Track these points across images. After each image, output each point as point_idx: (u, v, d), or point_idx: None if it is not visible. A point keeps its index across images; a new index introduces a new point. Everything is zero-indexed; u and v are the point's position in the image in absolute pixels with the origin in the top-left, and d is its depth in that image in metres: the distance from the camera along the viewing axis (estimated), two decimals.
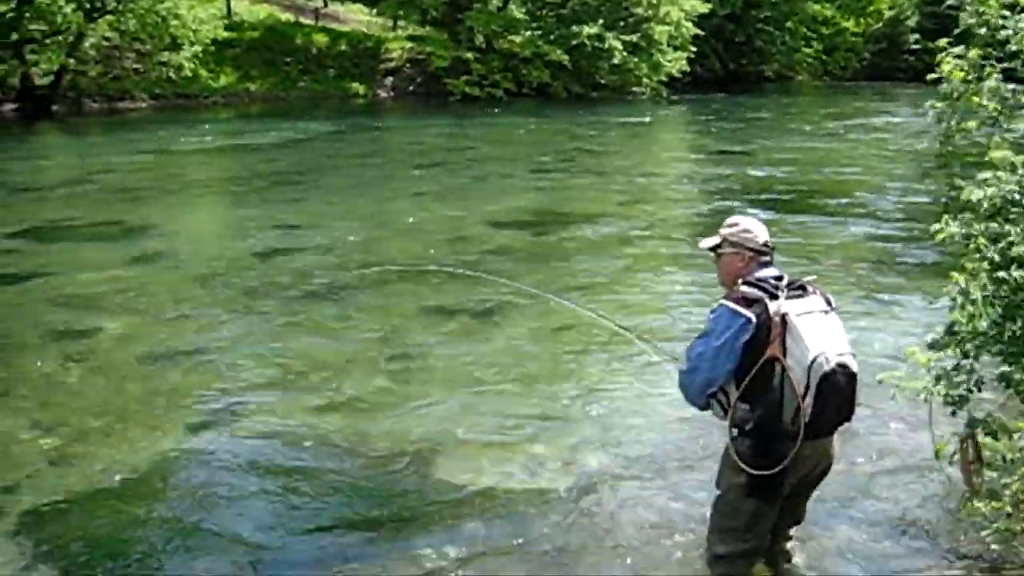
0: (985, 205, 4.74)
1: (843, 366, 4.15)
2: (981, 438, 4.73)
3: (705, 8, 49.35)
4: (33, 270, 11.16)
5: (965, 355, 4.72)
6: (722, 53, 57.55)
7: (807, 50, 66.27)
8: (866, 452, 6.18)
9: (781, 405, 4.16)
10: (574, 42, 42.78)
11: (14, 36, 30.01)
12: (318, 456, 6.27)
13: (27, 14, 29.24)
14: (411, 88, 42.91)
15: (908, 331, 8.65)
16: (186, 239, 13.64)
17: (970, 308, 4.66)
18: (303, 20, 45.98)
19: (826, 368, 4.09)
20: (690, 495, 5.60)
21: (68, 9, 28.73)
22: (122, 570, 4.96)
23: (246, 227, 14.10)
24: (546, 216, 14.91)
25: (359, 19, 50.15)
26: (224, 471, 6.08)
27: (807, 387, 4.11)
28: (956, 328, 4.70)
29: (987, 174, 4.81)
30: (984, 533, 4.79)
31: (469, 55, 42.04)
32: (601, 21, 43.58)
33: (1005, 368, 4.72)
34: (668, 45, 46.77)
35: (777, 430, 4.17)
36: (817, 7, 67.93)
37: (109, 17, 31.22)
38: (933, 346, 4.82)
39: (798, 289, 4.30)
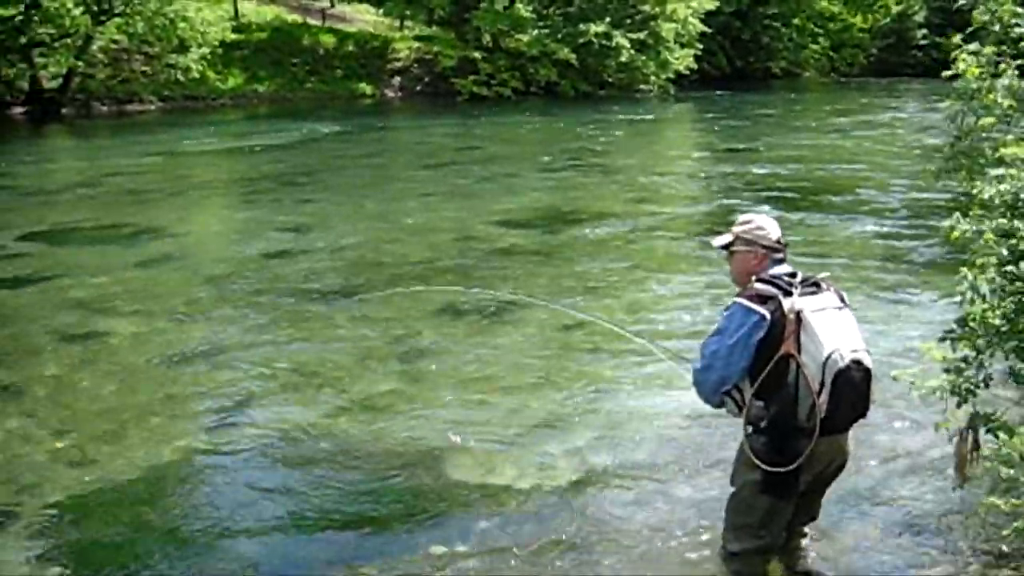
0: (997, 202, 4.73)
1: (858, 362, 4.15)
2: (983, 433, 4.72)
3: (712, 5, 49.40)
4: (44, 273, 11.19)
5: (976, 350, 4.71)
6: (729, 50, 57.59)
7: (814, 47, 66.23)
8: (880, 449, 6.16)
9: (796, 402, 4.16)
10: (581, 40, 42.79)
11: (23, 40, 30.13)
12: (329, 456, 6.27)
13: (35, 18, 29.34)
14: (418, 88, 42.95)
15: (916, 328, 8.65)
16: (196, 241, 13.67)
17: (980, 303, 4.65)
18: (310, 21, 46.02)
19: (841, 364, 4.10)
20: (703, 493, 5.59)
21: (76, 12, 28.84)
22: (135, 571, 4.97)
23: (255, 228, 14.13)
24: (554, 215, 14.90)
25: (366, 19, 50.20)
26: (235, 472, 6.09)
27: (822, 384, 4.11)
28: (969, 322, 4.69)
29: (1000, 171, 4.80)
30: (1004, 532, 4.77)
31: (476, 54, 42.09)
32: (608, 19, 43.60)
33: (1017, 364, 4.72)
34: (675, 42, 46.82)
35: (792, 427, 4.17)
36: (824, 3, 67.95)
37: (117, 20, 31.30)
38: (944, 339, 4.81)
39: (812, 286, 4.30)
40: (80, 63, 31.85)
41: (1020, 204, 4.66)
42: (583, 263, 11.63)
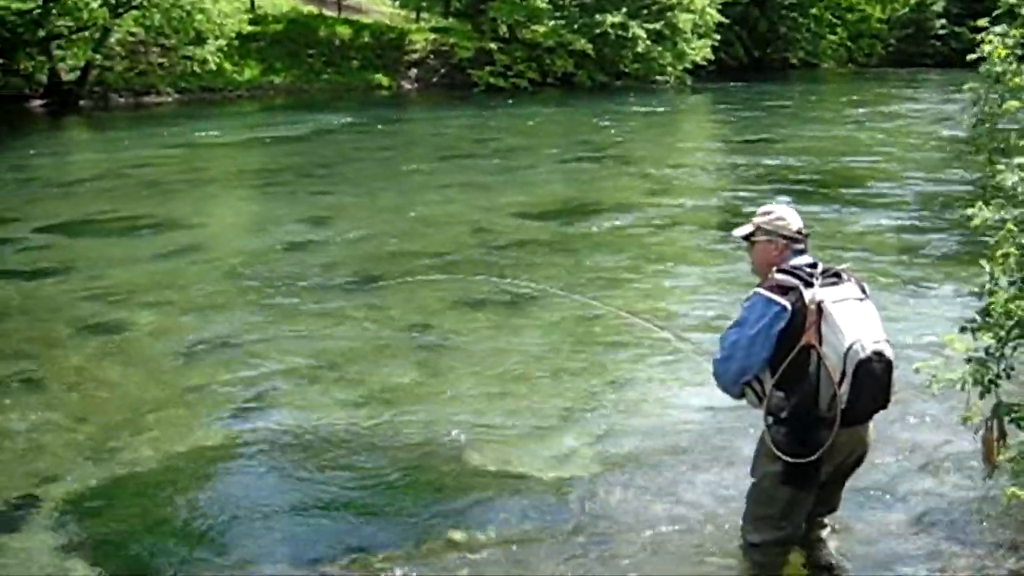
0: (1020, 190, 4.69)
1: (879, 353, 4.14)
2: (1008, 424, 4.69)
3: None
4: (63, 264, 11.25)
5: (999, 340, 4.69)
6: (746, 41, 57.35)
7: (832, 37, 65.91)
8: (900, 440, 6.15)
9: (817, 393, 4.15)
10: (598, 31, 42.69)
11: (41, 33, 30.23)
12: (348, 446, 6.29)
13: (54, 11, 29.43)
14: (435, 79, 42.92)
15: (932, 321, 8.65)
16: (214, 232, 13.72)
17: (1003, 293, 4.62)
18: (326, 12, 46.04)
19: (862, 355, 4.08)
20: (722, 483, 5.58)
21: (94, 5, 28.90)
22: (155, 560, 5.00)
23: (273, 220, 14.17)
24: (571, 207, 14.89)
25: (382, 10, 50.20)
26: (254, 462, 6.11)
27: (843, 374, 4.10)
28: (992, 311, 4.66)
29: (1023, 159, 4.76)
30: None
31: (493, 45, 42.06)
32: (624, 9, 43.46)
33: None
34: (692, 33, 46.63)
35: (813, 418, 4.16)
36: None
37: (134, 12, 31.38)
38: (966, 329, 4.78)
39: (833, 276, 4.28)
40: (98, 56, 31.96)
41: None
42: (601, 255, 11.62)
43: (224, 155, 22.39)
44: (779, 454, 4.24)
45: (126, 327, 8.88)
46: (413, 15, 49.20)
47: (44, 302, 9.78)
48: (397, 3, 48.36)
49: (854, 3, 68.03)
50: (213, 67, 34.91)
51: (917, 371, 5.02)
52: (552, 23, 43.00)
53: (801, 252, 4.42)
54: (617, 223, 13.45)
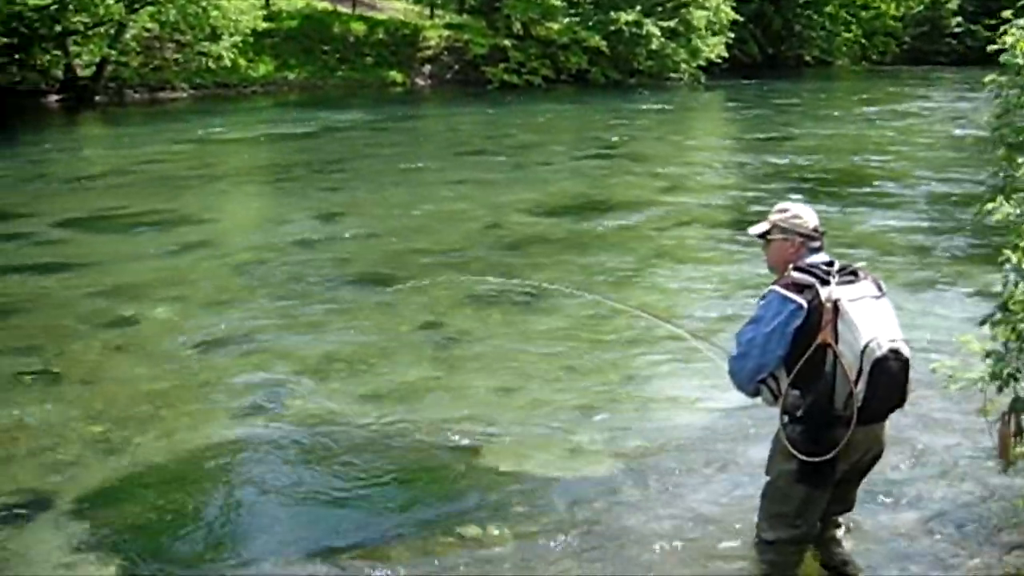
0: None
1: (895, 352, 4.12)
2: None
3: None
4: (78, 259, 11.28)
5: (1017, 334, 4.66)
6: (760, 38, 57.13)
7: (847, 34, 65.64)
8: (915, 439, 6.12)
9: (833, 391, 4.13)
10: (612, 28, 42.59)
11: (58, 28, 30.33)
12: (361, 442, 6.30)
13: (70, 6, 29.52)
14: (449, 76, 42.88)
15: (944, 321, 8.62)
16: (228, 228, 13.75)
17: (1022, 286, 4.59)
18: (340, 9, 46.05)
19: (878, 354, 4.07)
20: (738, 481, 5.57)
21: (110, 1, 28.98)
22: (169, 555, 5.01)
23: (286, 216, 14.19)
24: (585, 204, 14.88)
25: (396, 7, 50.18)
26: (269, 457, 6.12)
27: (859, 373, 4.09)
28: (1010, 305, 4.64)
29: None
30: None
31: (507, 42, 41.99)
32: (639, 7, 43.35)
33: None
34: (706, 30, 46.48)
35: (829, 416, 4.15)
36: None
37: (150, 8, 31.43)
38: (984, 322, 4.75)
39: (849, 275, 4.27)
40: (113, 51, 32.04)
41: None
42: (614, 252, 11.61)
43: (238, 151, 22.42)
44: (794, 452, 4.23)
45: (139, 322, 8.91)
46: (427, 11, 49.19)
47: (58, 297, 9.81)
48: None
49: (869, 0, 67.71)
50: (228, 63, 34.95)
51: (934, 371, 5.00)
52: (566, 20, 42.93)
53: (818, 250, 4.41)
54: (630, 220, 13.43)
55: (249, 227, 14.15)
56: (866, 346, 4.06)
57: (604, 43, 42.29)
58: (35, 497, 5.62)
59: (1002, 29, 5.33)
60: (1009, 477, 4.91)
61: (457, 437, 6.34)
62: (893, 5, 69.02)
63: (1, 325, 8.91)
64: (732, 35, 49.00)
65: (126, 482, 5.81)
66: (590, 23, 43.02)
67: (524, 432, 6.45)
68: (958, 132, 24.29)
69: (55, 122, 28.43)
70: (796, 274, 4.24)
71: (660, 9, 44.83)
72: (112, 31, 31.79)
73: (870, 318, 4.13)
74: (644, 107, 32.74)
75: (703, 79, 45.02)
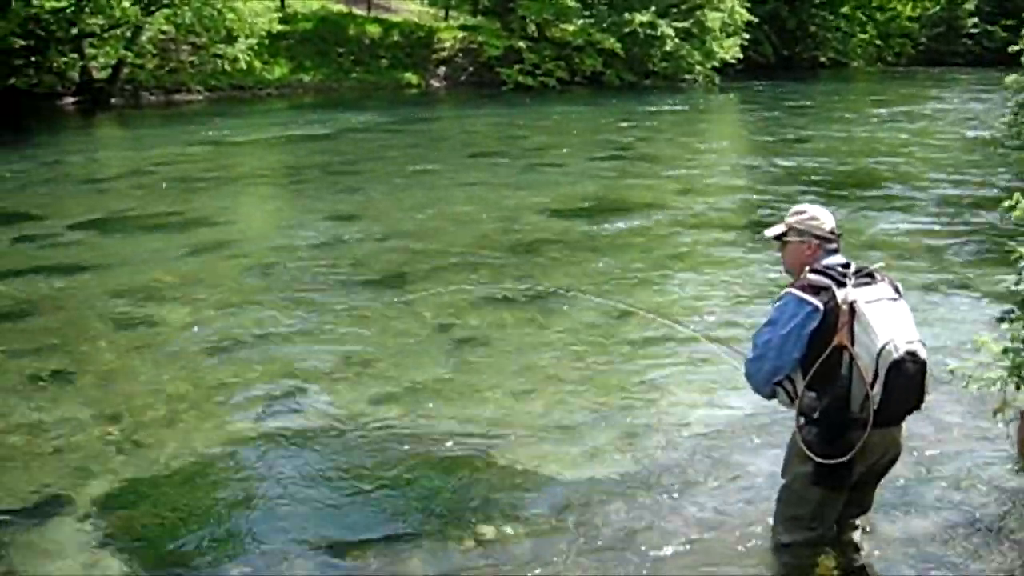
0: None
1: (912, 354, 4.11)
2: None
3: None
4: (95, 260, 11.33)
5: None
6: (775, 39, 56.97)
7: (862, 36, 65.39)
8: (932, 442, 6.10)
9: (849, 393, 4.13)
10: (626, 30, 42.54)
11: (74, 31, 30.45)
12: (377, 443, 6.32)
13: (86, 9, 29.64)
14: (463, 78, 42.91)
15: (959, 323, 8.58)
16: (244, 229, 13.79)
17: None
18: (355, 11, 46.12)
19: (895, 356, 4.06)
20: (754, 484, 5.57)
21: (126, 3, 29.09)
22: (186, 554, 5.03)
23: (303, 217, 14.22)
24: (599, 206, 14.86)
25: (411, 9, 50.26)
26: (284, 457, 6.14)
27: (875, 375, 4.08)
28: None
29: None
30: None
31: (521, 44, 42.00)
32: (653, 8, 43.28)
33: None
34: (721, 32, 46.40)
35: (845, 418, 4.14)
36: None
37: (165, 11, 31.51)
38: (1003, 319, 4.74)
39: (866, 276, 4.26)
40: (129, 53, 32.15)
41: None
42: (629, 254, 11.60)
43: (253, 153, 22.48)
44: (810, 455, 4.23)
45: (156, 323, 8.95)
46: (442, 13, 49.24)
47: (75, 297, 9.86)
48: (426, 1, 48.40)
49: (884, 2, 67.44)
50: (243, 65, 35.03)
51: (952, 372, 4.99)
52: (581, 22, 42.90)
53: (834, 252, 4.40)
54: (644, 223, 13.42)
55: (264, 229, 14.18)
56: (883, 348, 4.05)
57: (619, 45, 42.22)
58: (53, 496, 5.66)
59: None
60: None
61: (472, 438, 6.35)
62: (909, 6, 68.73)
63: (18, 326, 8.95)
64: (747, 36, 48.88)
65: (143, 482, 5.84)
66: (605, 25, 42.97)
67: (539, 433, 6.45)
68: (973, 134, 24.19)
69: (71, 124, 28.56)
70: (812, 276, 4.24)
71: (675, 10, 44.76)
72: (128, 33, 31.89)
73: (887, 320, 4.12)
74: (658, 109, 32.70)
75: (718, 80, 44.94)
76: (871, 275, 4.28)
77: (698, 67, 44.95)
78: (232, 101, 34.45)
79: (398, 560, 4.91)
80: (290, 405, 6.97)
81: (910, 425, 4.56)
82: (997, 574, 4.68)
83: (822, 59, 60.77)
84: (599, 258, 11.36)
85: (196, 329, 8.73)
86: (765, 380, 4.33)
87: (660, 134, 25.59)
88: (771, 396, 4.42)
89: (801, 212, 4.51)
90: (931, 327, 8.16)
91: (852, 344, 4.09)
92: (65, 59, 31.34)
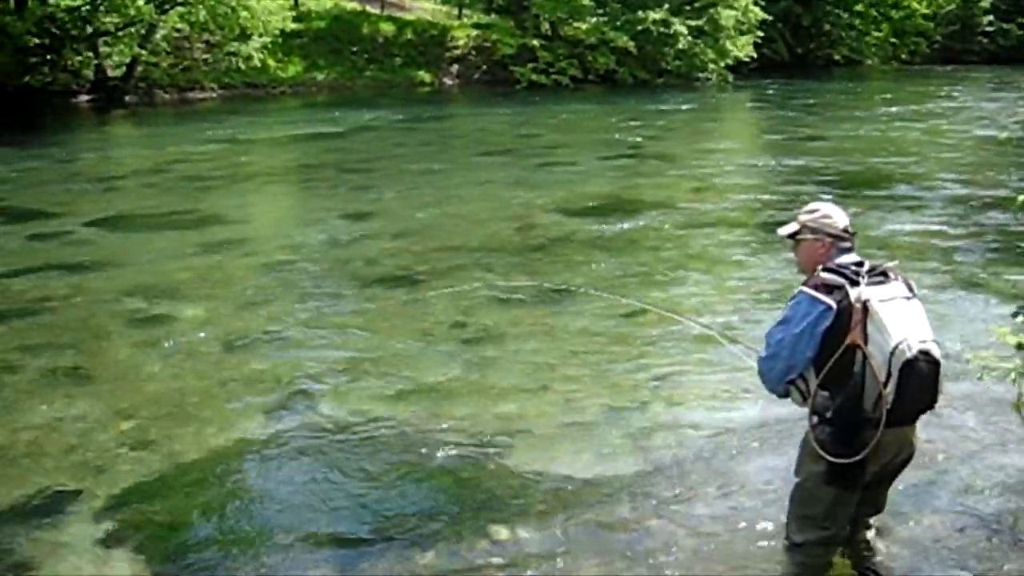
0: None
1: (926, 353, 4.09)
2: None
3: None
4: (110, 258, 11.38)
5: None
6: (789, 38, 56.80)
7: (876, 34, 65.12)
8: (947, 441, 6.08)
9: (862, 393, 4.10)
10: (640, 28, 42.49)
11: (89, 29, 30.59)
12: (390, 441, 6.32)
13: (101, 7, 29.77)
14: (477, 76, 42.94)
15: (972, 321, 8.54)
16: (258, 227, 13.83)
17: None
18: (369, 9, 46.19)
19: (908, 355, 4.03)
20: (767, 482, 5.55)
21: (140, 1, 29.21)
22: (198, 551, 5.04)
23: (316, 215, 14.25)
24: (613, 204, 14.84)
25: (424, 7, 50.31)
26: (298, 455, 6.15)
27: (889, 374, 4.05)
28: None
29: None
30: None
31: (535, 42, 42.00)
32: (667, 6, 43.24)
33: None
34: (734, 30, 46.30)
35: (858, 418, 4.12)
36: None
37: (180, 9, 31.65)
38: (1018, 314, 4.72)
39: (879, 275, 4.24)
40: (144, 52, 32.29)
41: None
42: (643, 252, 11.59)
43: (267, 151, 22.53)
44: (823, 454, 4.21)
45: (169, 321, 8.97)
46: (455, 11, 49.27)
47: (90, 295, 9.89)
48: (439, 0, 48.44)
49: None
50: (257, 63, 35.14)
51: (968, 361, 4.97)
52: (594, 20, 42.85)
53: (848, 250, 4.38)
54: (657, 221, 13.39)
55: (277, 227, 14.21)
56: (896, 347, 4.03)
57: (632, 43, 42.17)
58: (66, 493, 5.68)
59: None
60: None
61: (485, 437, 6.34)
62: (924, 4, 68.41)
63: (33, 323, 8.98)
64: (761, 34, 48.78)
65: (156, 479, 5.86)
66: (618, 23, 42.90)
67: (553, 432, 6.45)
68: (987, 133, 24.08)
69: (86, 122, 28.67)
70: (825, 275, 4.22)
71: (688, 8, 44.70)
72: (142, 32, 32.04)
73: (900, 319, 4.10)
74: (671, 107, 32.65)
75: (731, 79, 44.85)
76: (885, 274, 4.25)
77: (711, 65, 44.89)
78: (246, 99, 34.55)
79: (410, 559, 4.91)
80: (302, 403, 6.98)
81: (924, 425, 4.54)
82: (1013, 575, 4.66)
83: (836, 57, 60.56)
84: (611, 256, 11.35)
85: (209, 327, 8.76)
86: (778, 379, 4.31)
87: (673, 132, 25.56)
88: (784, 395, 4.41)
89: (814, 210, 4.48)
90: (944, 326, 8.13)
91: (865, 343, 4.07)
92: (80, 57, 31.48)
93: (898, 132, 24.84)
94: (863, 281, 4.16)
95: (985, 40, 68.11)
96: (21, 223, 13.49)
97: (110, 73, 33.00)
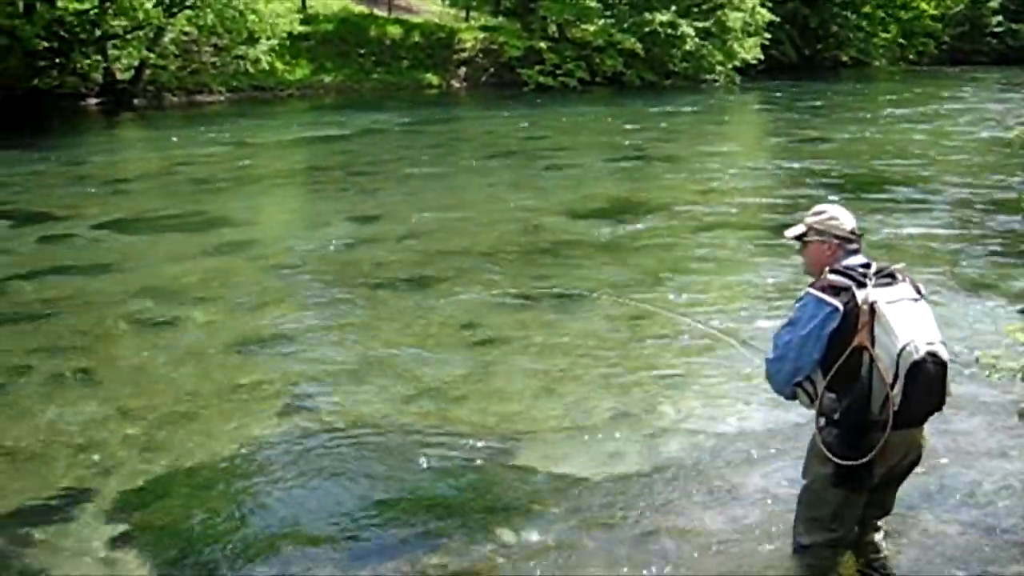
0: None
1: (933, 355, 4.08)
2: None
3: None
4: (117, 260, 11.40)
5: None
6: (797, 39, 56.73)
7: (884, 35, 65.00)
8: (955, 442, 6.07)
9: (869, 395, 4.10)
10: (647, 29, 42.47)
11: (97, 33, 30.66)
12: (397, 444, 6.33)
13: (110, 11, 29.83)
14: (484, 78, 42.95)
15: (978, 323, 8.51)
16: (264, 230, 13.85)
17: None
18: (376, 12, 46.21)
19: (915, 357, 4.03)
20: (774, 485, 5.55)
21: (149, 5, 29.27)
22: (205, 554, 5.05)
23: (324, 217, 14.27)
24: (620, 206, 14.84)
25: (432, 10, 50.33)
26: (305, 457, 6.15)
27: (896, 376, 4.05)
28: None
29: None
30: None
31: (542, 44, 41.99)
32: (674, 8, 43.23)
33: None
34: (742, 32, 46.28)
35: (865, 420, 4.11)
36: None
37: (188, 12, 31.68)
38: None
39: (887, 277, 4.23)
40: (152, 55, 32.33)
41: None
42: (650, 254, 11.58)
43: (274, 153, 22.56)
44: (830, 456, 4.21)
45: (179, 323, 8.99)
46: (463, 14, 49.29)
47: (98, 297, 9.92)
48: (447, 2, 48.46)
49: (907, 1, 67.01)
50: (265, 66, 35.16)
51: (978, 360, 4.96)
52: (602, 22, 42.82)
53: (855, 252, 4.37)
54: (663, 224, 13.39)
55: (285, 229, 14.23)
56: (903, 349, 4.02)
57: (639, 45, 42.15)
58: (74, 494, 5.70)
59: None
60: None
61: (492, 439, 6.35)
62: (932, 5, 68.27)
63: (41, 325, 9.01)
64: (768, 36, 48.73)
65: (164, 481, 5.87)
66: (625, 25, 42.89)
67: (561, 434, 6.45)
68: (996, 135, 24.02)
69: (94, 125, 28.73)
70: (832, 276, 4.21)
71: (696, 10, 44.69)
72: (150, 35, 32.10)
73: (907, 321, 4.09)
74: (679, 109, 32.63)
75: (739, 80, 44.82)
76: (892, 275, 4.25)
77: (719, 67, 44.88)
78: (253, 102, 34.60)
79: (417, 561, 4.91)
80: (309, 405, 6.99)
81: (931, 427, 4.53)
82: None
83: (844, 59, 60.48)
84: (618, 259, 11.35)
85: (217, 329, 8.78)
86: (785, 381, 4.31)
87: (680, 135, 25.53)
88: (791, 397, 4.41)
89: (821, 212, 4.48)
90: (951, 328, 8.10)
91: (872, 345, 4.07)
92: (88, 61, 31.56)
93: (905, 134, 24.78)
94: (870, 283, 4.16)
95: (994, 41, 67.98)
96: (29, 225, 13.53)
97: (118, 76, 33.07)
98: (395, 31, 43.34)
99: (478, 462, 6.04)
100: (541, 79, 40.71)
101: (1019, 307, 4.74)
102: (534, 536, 5.11)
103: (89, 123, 29.03)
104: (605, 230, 12.95)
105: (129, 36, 31.62)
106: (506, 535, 5.12)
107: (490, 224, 13.40)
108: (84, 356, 8.13)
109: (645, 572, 4.76)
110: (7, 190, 16.55)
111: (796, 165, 19.19)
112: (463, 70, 43.16)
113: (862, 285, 4.14)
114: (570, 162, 19.92)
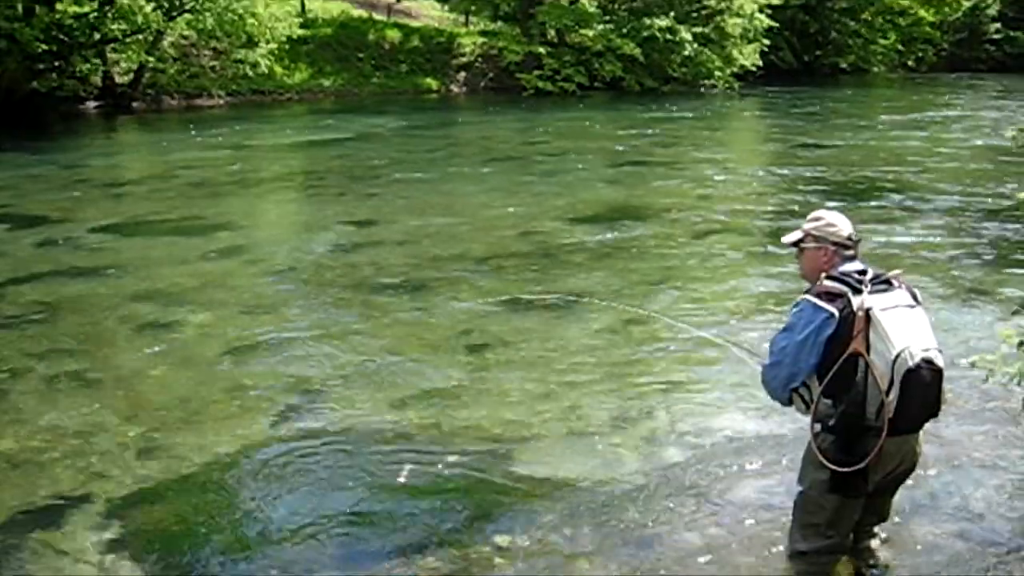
0: None
1: (929, 361, 4.09)
2: None
3: None
4: (116, 264, 11.40)
5: None
6: (796, 45, 56.83)
7: (883, 41, 65.06)
8: (951, 449, 6.07)
9: (864, 401, 4.11)
10: (646, 35, 42.52)
11: (96, 36, 30.67)
12: (394, 448, 6.33)
13: (109, 14, 29.85)
14: (483, 83, 43.02)
15: (974, 330, 8.51)
16: (264, 233, 13.86)
17: None
18: (376, 16, 46.28)
19: (911, 364, 4.04)
20: (770, 490, 5.55)
21: (148, 9, 29.29)
22: (203, 559, 5.06)
23: (322, 222, 14.26)
24: (618, 211, 14.84)
25: (431, 15, 50.42)
26: (301, 462, 6.15)
27: (891, 383, 4.06)
28: None
29: None
30: None
31: (541, 49, 42.03)
32: (673, 14, 43.30)
33: None
34: (741, 38, 46.34)
35: (860, 426, 4.12)
36: None
37: (187, 16, 31.72)
38: (1018, 312, 4.71)
39: (883, 283, 4.24)
40: (151, 58, 32.36)
41: None
42: (647, 259, 11.60)
43: (273, 157, 22.57)
44: (826, 462, 4.21)
45: (176, 327, 8.99)
46: (462, 19, 49.36)
47: (96, 301, 9.92)
48: (446, 7, 48.50)
49: (906, 7, 67.08)
50: (264, 70, 35.18)
51: (974, 365, 4.97)
52: (601, 27, 42.88)
53: (851, 258, 4.38)
54: (662, 229, 13.40)
55: (285, 233, 14.24)
56: (898, 356, 4.03)
57: (638, 50, 42.19)
58: (71, 498, 5.70)
59: None
60: None
61: (491, 444, 6.36)
62: (931, 12, 68.33)
63: (39, 329, 9.01)
64: (767, 42, 48.80)
65: (160, 485, 5.87)
66: (624, 30, 42.95)
67: (558, 440, 6.45)
68: (991, 142, 24.03)
69: (93, 128, 28.74)
70: (828, 283, 4.22)
71: (695, 16, 44.77)
72: (150, 39, 32.12)
73: (903, 327, 4.10)
74: (677, 115, 32.65)
75: (738, 86, 44.86)
76: (888, 282, 4.26)
77: (718, 73, 44.90)
78: (252, 106, 34.63)
79: (414, 565, 4.92)
80: (307, 409, 7.00)
81: (927, 433, 4.53)
82: None
83: (843, 65, 60.53)
84: (615, 264, 11.35)
85: (215, 333, 8.78)
86: (782, 386, 4.32)
87: (679, 140, 25.54)
88: (788, 403, 4.41)
89: (818, 218, 4.49)
90: (946, 334, 8.11)
91: (867, 351, 4.08)
92: (88, 64, 31.60)
93: (902, 141, 24.80)
94: (866, 289, 4.17)
95: (992, 48, 68.05)
96: (28, 228, 13.53)
97: (118, 80, 33.11)
98: (394, 36, 43.41)
99: (474, 466, 6.04)
100: (540, 84, 40.76)
101: (1013, 311, 4.74)
102: (530, 541, 5.11)
103: (88, 126, 29.04)
104: (602, 235, 12.96)
105: (128, 39, 31.63)
106: (501, 539, 5.12)
107: (487, 229, 13.41)
108: (81, 360, 8.14)
109: None
110: (5, 193, 16.56)
111: (794, 171, 19.20)
112: (462, 75, 43.22)
113: (858, 291, 4.15)
114: (569, 167, 19.92)
